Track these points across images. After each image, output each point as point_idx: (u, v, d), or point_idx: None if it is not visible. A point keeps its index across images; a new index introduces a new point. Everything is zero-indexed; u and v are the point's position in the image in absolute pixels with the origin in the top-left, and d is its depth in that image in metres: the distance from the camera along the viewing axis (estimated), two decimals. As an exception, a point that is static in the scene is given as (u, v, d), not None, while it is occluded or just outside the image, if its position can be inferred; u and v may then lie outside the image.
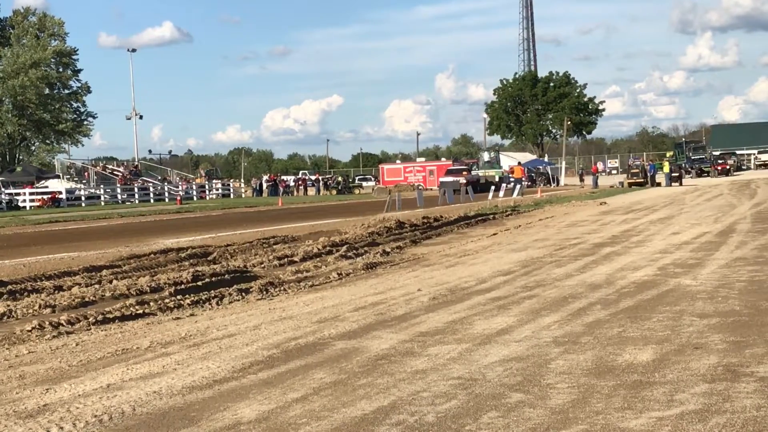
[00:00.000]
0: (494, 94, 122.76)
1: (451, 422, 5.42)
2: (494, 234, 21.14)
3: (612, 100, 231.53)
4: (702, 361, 6.79)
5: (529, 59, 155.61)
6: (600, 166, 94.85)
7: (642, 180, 61.33)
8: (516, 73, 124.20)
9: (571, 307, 9.65)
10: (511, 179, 62.07)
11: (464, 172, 66.45)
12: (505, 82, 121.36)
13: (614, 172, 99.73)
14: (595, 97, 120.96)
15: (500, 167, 74.94)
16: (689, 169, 79.79)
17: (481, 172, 70.83)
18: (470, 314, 9.44)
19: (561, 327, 8.48)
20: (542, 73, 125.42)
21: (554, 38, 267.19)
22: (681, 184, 59.30)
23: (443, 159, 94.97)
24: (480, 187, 57.33)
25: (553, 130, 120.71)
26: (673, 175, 61.26)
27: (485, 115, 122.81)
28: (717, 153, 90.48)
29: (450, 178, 63.67)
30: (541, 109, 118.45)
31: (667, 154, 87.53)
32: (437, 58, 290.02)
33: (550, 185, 79.41)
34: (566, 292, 10.80)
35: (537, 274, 12.90)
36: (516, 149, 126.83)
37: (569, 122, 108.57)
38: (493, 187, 56.97)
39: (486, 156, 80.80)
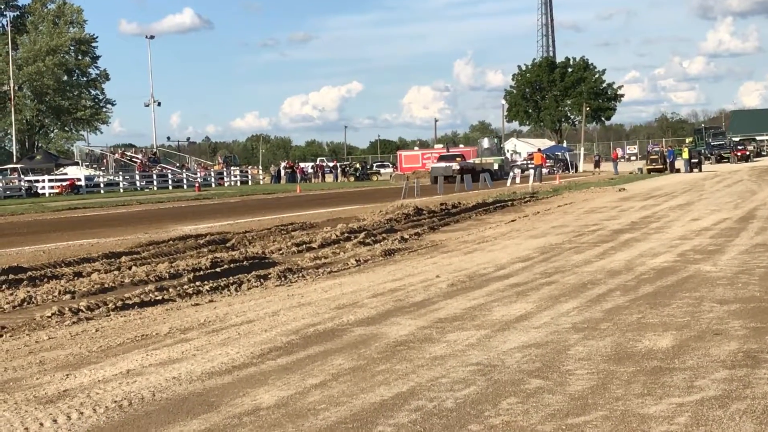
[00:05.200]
0: (512, 80, 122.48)
1: (470, 408, 5.41)
2: (513, 220, 21.10)
3: (631, 86, 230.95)
4: (722, 347, 6.76)
5: (548, 45, 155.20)
6: (619, 152, 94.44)
7: (661, 166, 61.10)
8: (534, 59, 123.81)
9: (590, 294, 9.62)
10: (531, 165, 61.62)
11: (457, 159, 62.88)
12: (523, 68, 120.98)
13: (633, 158, 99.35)
14: (613, 82, 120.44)
15: (500, 155, 71.95)
16: (709, 155, 79.56)
17: (477, 160, 67.71)
18: (489, 300, 9.42)
19: (580, 313, 8.45)
20: (561, 59, 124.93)
21: (574, 24, 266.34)
22: (700, 170, 59.09)
23: (461, 145, 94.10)
24: (474, 175, 53.57)
25: (572, 116, 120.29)
26: (692, 161, 61.00)
27: (503, 102, 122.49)
28: (737, 139, 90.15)
29: (442, 164, 60.18)
30: (560, 95, 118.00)
31: (687, 140, 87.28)
32: (456, 45, 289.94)
33: (569, 171, 79.18)
34: (585, 279, 10.76)
35: (556, 260, 12.87)
36: (534, 135, 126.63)
37: (588, 108, 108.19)
38: (511, 174, 56.78)
39: (486, 143, 77.53)
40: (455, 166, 57.98)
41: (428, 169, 64.63)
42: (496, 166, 64.37)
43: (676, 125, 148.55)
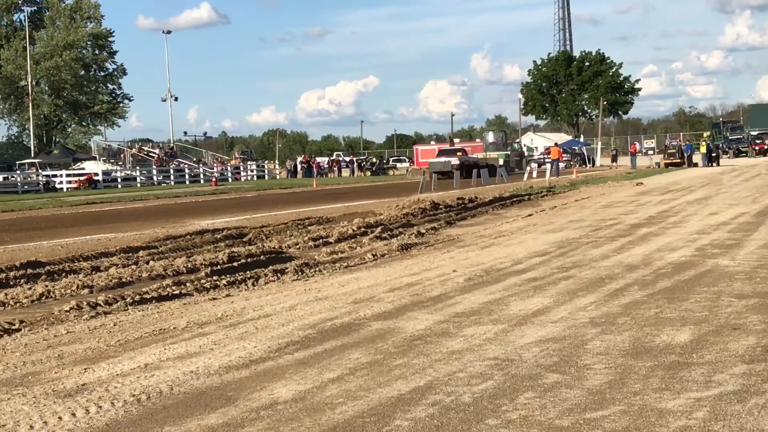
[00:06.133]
0: (529, 74, 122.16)
1: (488, 403, 5.40)
2: (529, 215, 21.06)
3: (649, 80, 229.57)
4: (740, 341, 6.73)
5: (565, 39, 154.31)
6: (637, 146, 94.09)
7: (679, 160, 60.80)
8: (549, 53, 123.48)
9: (607, 288, 9.59)
10: (547, 160, 61.22)
11: (458, 153, 58.86)
12: (539, 62, 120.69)
13: (651, 152, 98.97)
14: (630, 76, 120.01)
15: (506, 149, 68.51)
16: (726, 149, 79.17)
17: (480, 155, 63.89)
18: (506, 295, 9.41)
19: (598, 308, 8.43)
20: (578, 53, 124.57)
21: (591, 17, 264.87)
22: (718, 164, 58.82)
23: (477, 140, 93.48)
24: (478, 170, 49.60)
25: (589, 111, 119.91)
26: (710, 155, 60.74)
27: (520, 96, 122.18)
28: (755, 133, 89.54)
29: (441, 159, 56.97)
30: (577, 89, 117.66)
31: (705, 134, 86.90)
32: (473, 39, 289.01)
33: (586, 166, 78.94)
34: (603, 273, 10.73)
35: (573, 254, 12.84)
36: (551, 130, 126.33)
37: (605, 102, 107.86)
38: (528, 168, 56.48)
39: (491, 137, 74.20)
40: (454, 161, 55.41)
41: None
42: (501, 162, 59.89)
43: (694, 119, 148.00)
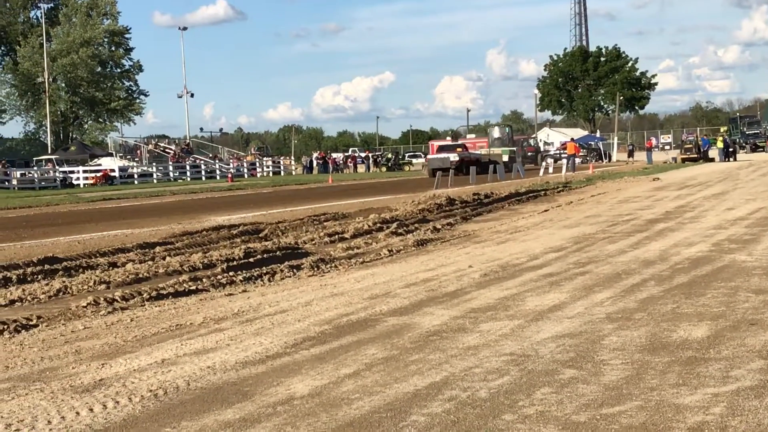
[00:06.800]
0: (545, 69, 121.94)
1: (504, 398, 5.40)
2: (545, 210, 21.02)
3: (665, 75, 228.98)
4: (758, 337, 6.71)
5: (581, 34, 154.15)
6: (653, 141, 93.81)
7: (695, 155, 60.56)
8: (566, 48, 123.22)
9: (624, 284, 9.57)
10: (564, 155, 60.95)
11: (458, 149, 55.76)
12: (555, 57, 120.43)
13: (667, 147, 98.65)
14: (647, 71, 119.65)
15: (512, 145, 65.63)
16: (743, 144, 78.84)
17: (483, 151, 61.05)
18: (522, 290, 9.40)
19: (614, 303, 8.41)
20: (594, 48, 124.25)
21: (608, 12, 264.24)
22: (735, 160, 58.58)
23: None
24: (480, 167, 47.65)
25: (605, 106, 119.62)
26: (728, 150, 60.50)
27: (536, 91, 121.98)
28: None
29: (440, 156, 54.40)
30: (593, 84, 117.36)
31: (721, 129, 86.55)
32: (488, 34, 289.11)
33: (602, 161, 78.75)
34: (619, 269, 10.71)
35: (589, 250, 12.81)
36: (567, 125, 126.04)
37: (621, 97, 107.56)
38: (544, 164, 56.22)
39: (497, 132, 69.65)
40: (453, 157, 52.55)
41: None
42: (505, 158, 57.53)
43: (711, 114, 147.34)
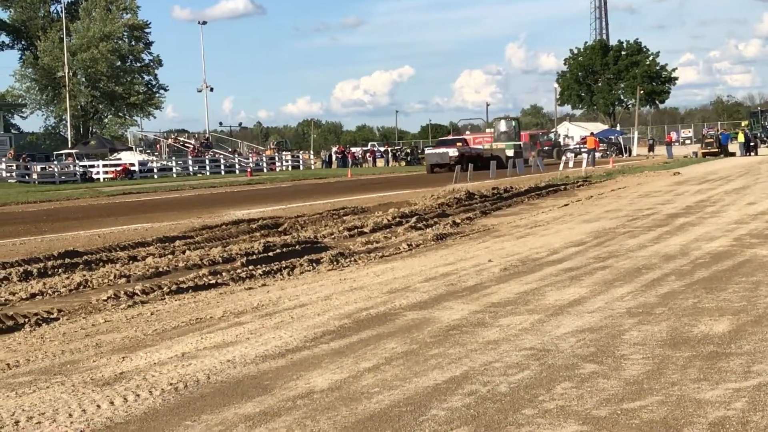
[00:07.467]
0: (565, 63, 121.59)
1: (524, 393, 5.39)
2: (565, 205, 20.96)
3: (686, 69, 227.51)
4: (780, 332, 6.67)
5: (601, 28, 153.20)
6: (674, 135, 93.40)
7: (716, 150, 60.27)
8: (586, 42, 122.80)
9: (644, 278, 9.53)
10: (584, 149, 60.76)
11: (458, 144, 52.80)
12: (575, 51, 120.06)
13: (688, 141, 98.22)
14: (667, 64, 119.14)
15: (517, 140, 63.38)
16: (765, 139, 78.36)
17: (486, 146, 59.12)
18: (542, 285, 9.38)
19: (634, 298, 8.38)
20: (615, 41, 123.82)
21: (628, 6, 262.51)
22: (756, 154, 58.30)
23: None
24: (481, 162, 46.43)
25: (625, 100, 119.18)
26: (749, 144, 60.20)
27: (556, 85, 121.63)
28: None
29: (440, 150, 51.84)
30: (613, 78, 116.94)
31: (742, 124, 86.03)
32: (508, 28, 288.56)
33: (623, 155, 78.48)
34: (639, 263, 10.67)
35: (609, 244, 12.77)
36: (587, 119, 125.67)
37: (641, 91, 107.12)
38: (564, 158, 56.06)
39: (503, 125, 66.93)
40: (453, 152, 50.00)
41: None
42: (510, 153, 55.00)
43: (732, 108, 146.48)
